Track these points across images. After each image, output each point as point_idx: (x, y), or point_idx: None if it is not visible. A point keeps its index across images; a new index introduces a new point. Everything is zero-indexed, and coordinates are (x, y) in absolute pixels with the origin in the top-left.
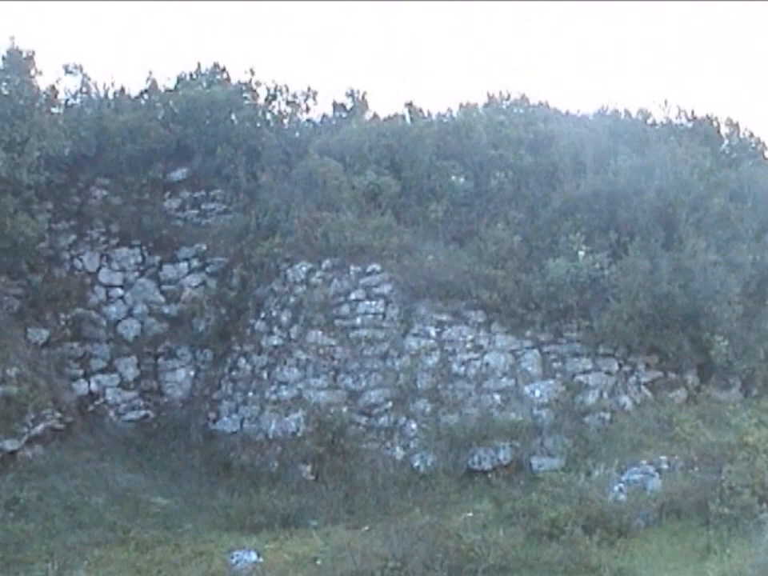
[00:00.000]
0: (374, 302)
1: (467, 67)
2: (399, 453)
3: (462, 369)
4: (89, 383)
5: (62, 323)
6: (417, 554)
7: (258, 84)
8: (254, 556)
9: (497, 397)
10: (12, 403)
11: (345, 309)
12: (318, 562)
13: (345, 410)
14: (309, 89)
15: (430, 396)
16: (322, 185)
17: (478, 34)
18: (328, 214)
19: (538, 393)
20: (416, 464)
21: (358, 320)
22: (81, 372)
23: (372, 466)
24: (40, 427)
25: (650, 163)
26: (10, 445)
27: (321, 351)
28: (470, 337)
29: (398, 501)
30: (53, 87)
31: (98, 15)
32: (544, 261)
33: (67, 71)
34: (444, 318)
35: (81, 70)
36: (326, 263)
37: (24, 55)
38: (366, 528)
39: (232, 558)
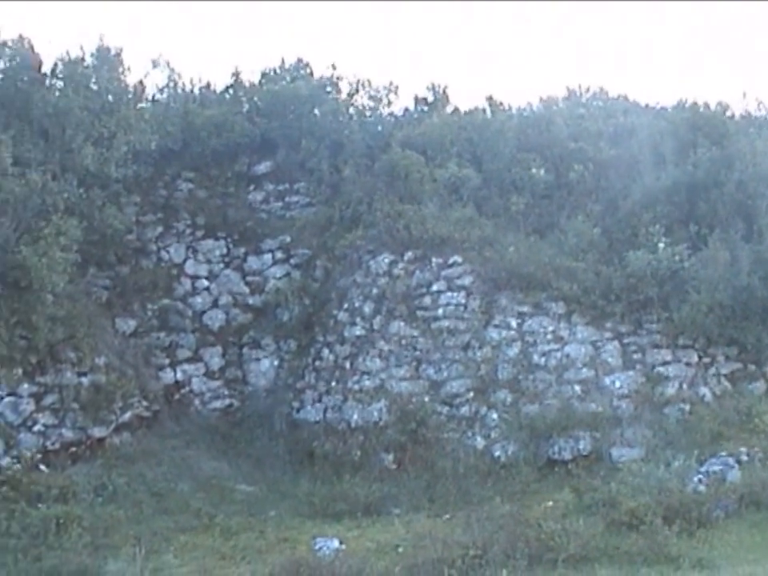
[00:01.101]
0: (455, 294)
1: (547, 61)
2: (480, 442)
3: (543, 360)
4: (175, 372)
5: (149, 313)
6: (497, 542)
7: (341, 79)
8: (336, 543)
9: (577, 387)
10: (101, 391)
11: (427, 300)
12: (400, 550)
13: (426, 399)
14: (390, 83)
15: (511, 386)
16: (405, 177)
17: (563, 28)
18: (410, 207)
19: (618, 384)
20: (497, 453)
21: (440, 311)
22: (167, 361)
23: (453, 455)
24: (127, 415)
25: (730, 155)
26: (98, 432)
27: (403, 342)
28: (550, 328)
29: (478, 490)
30: (140, 82)
31: (185, 11)
32: (624, 253)
33: (155, 65)
34: (525, 309)
35: (168, 64)
36: (408, 255)
37: (113, 52)
38: (447, 516)
39: (315, 544)
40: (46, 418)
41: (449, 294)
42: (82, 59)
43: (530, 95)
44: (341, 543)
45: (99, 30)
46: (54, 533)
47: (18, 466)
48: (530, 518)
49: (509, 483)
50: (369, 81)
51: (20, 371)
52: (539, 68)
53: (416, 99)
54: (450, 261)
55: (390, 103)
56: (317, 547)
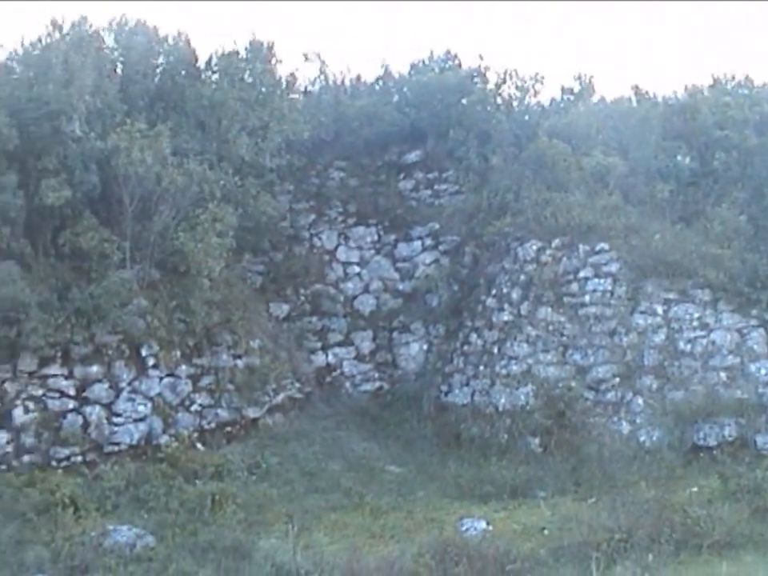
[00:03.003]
0: (602, 280)
1: (692, 50)
2: (625, 427)
3: (689, 346)
4: (326, 355)
5: (302, 298)
6: (643, 526)
7: (488, 69)
8: (483, 524)
9: (722, 374)
10: (255, 373)
11: (573, 286)
12: (546, 532)
13: (573, 384)
14: (537, 73)
15: (657, 372)
16: (551, 166)
17: (708, 18)
18: (557, 194)
19: (763, 371)
20: (642, 439)
21: (587, 297)
22: (319, 345)
23: (599, 440)
24: (280, 397)
25: None
26: (252, 412)
27: (550, 327)
28: (696, 315)
29: (623, 474)
30: (292, 74)
31: (334, 6)
32: None
33: (306, 58)
34: (671, 296)
35: (319, 57)
36: (556, 242)
37: (265, 46)
38: (593, 500)
39: (462, 525)
40: (202, 399)
41: (595, 280)
42: (236, 53)
43: (675, 84)
44: (488, 524)
45: (251, 24)
46: (210, 509)
47: (176, 444)
48: (674, 504)
49: (653, 468)
50: (515, 71)
51: (178, 353)
52: (684, 57)
53: (562, 89)
54: (597, 248)
55: (536, 93)
56: (464, 528)
